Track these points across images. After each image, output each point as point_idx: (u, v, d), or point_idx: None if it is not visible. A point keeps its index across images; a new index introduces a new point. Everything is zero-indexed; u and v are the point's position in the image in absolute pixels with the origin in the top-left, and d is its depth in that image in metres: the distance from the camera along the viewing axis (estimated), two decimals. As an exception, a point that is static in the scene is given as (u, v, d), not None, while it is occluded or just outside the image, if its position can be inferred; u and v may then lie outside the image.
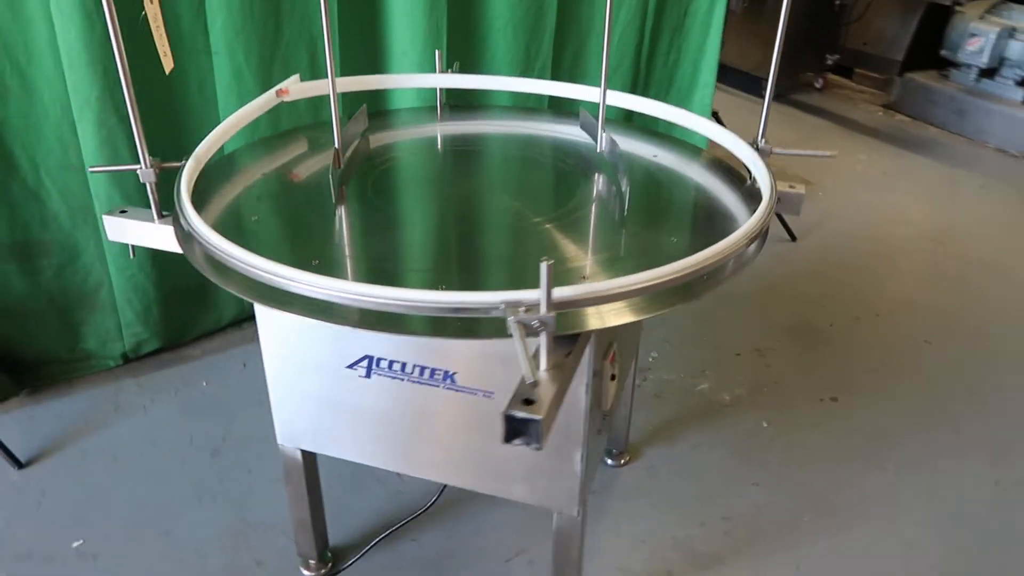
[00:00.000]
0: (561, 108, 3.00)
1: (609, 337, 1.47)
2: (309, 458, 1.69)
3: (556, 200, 1.66)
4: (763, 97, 1.59)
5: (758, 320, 2.88)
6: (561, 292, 1.09)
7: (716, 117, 3.37)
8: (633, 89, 3.10)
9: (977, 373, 2.63)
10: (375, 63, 2.58)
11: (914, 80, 5.15)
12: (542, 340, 1.05)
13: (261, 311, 1.48)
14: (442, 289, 1.16)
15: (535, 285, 1.02)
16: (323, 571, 1.84)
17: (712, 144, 1.79)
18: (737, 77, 5.14)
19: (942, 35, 5.01)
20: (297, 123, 2.45)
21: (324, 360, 1.49)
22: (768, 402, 2.45)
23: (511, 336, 1.04)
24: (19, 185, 2.17)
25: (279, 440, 1.64)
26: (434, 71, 2.52)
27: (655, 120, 1.93)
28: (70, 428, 2.24)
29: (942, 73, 5.10)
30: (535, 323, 1.03)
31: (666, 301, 1.20)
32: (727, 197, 1.59)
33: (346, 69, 2.49)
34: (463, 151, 1.93)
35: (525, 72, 2.79)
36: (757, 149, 1.60)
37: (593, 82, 3.01)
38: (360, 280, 1.15)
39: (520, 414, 0.99)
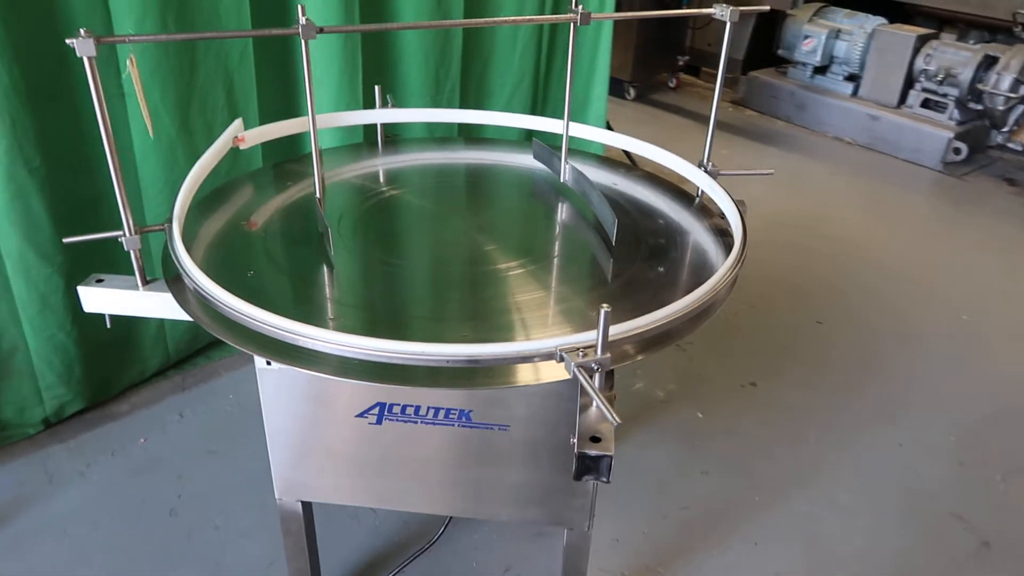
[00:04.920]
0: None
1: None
2: (307, 508, 1.68)
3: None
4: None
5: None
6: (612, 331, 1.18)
7: (608, 125, 3.57)
8: (534, 105, 3.23)
9: (864, 347, 2.98)
10: (289, 95, 2.55)
11: (757, 78, 5.64)
12: (596, 380, 1.14)
13: (263, 370, 1.46)
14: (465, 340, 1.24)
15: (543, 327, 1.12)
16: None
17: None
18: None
19: (775, 36, 5.52)
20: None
21: (331, 412, 1.50)
22: (697, 393, 2.67)
23: (572, 377, 1.13)
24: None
25: (277, 495, 1.63)
26: (353, 100, 2.57)
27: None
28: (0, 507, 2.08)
29: (780, 70, 5.63)
30: (595, 365, 1.12)
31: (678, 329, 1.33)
32: (689, 219, 1.75)
33: (263, 103, 2.44)
34: (438, 185, 1.96)
35: (436, 96, 2.85)
36: (707, 172, 1.77)
37: (497, 101, 3.14)
38: (381, 335, 1.19)
39: (594, 452, 1.08)
